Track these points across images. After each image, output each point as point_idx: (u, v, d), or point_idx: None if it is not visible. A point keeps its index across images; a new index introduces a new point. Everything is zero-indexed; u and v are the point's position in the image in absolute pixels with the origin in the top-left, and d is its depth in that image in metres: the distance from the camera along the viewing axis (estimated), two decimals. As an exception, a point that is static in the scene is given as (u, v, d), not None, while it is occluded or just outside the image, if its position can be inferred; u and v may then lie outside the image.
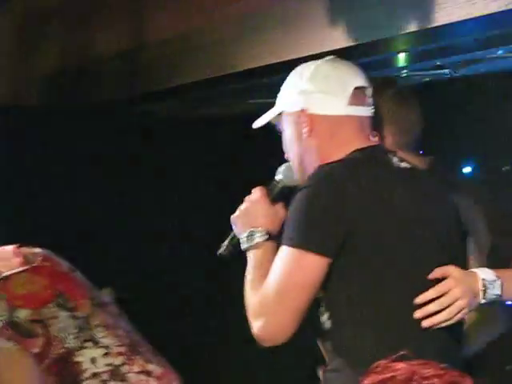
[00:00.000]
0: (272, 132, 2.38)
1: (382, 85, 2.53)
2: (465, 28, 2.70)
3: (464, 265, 2.22)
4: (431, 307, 2.06)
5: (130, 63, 4.08)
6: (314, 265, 2.06)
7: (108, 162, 4.33)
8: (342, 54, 2.40)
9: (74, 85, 4.38)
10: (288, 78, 2.29)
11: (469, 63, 3.38)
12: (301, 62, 2.33)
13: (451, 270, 2.10)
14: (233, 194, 2.47)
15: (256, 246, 2.27)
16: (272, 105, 2.38)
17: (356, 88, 2.21)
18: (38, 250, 2.39)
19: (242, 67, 3.53)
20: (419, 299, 2.07)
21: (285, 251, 2.10)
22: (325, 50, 2.89)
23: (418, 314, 2.07)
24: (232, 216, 2.36)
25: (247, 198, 2.36)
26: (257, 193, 2.35)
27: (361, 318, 2.10)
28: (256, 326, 2.13)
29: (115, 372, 2.45)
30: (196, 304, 4.45)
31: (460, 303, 2.07)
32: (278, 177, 2.37)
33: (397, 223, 2.11)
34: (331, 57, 2.30)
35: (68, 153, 4.27)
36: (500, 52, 3.25)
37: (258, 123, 2.37)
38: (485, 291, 2.09)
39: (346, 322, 2.12)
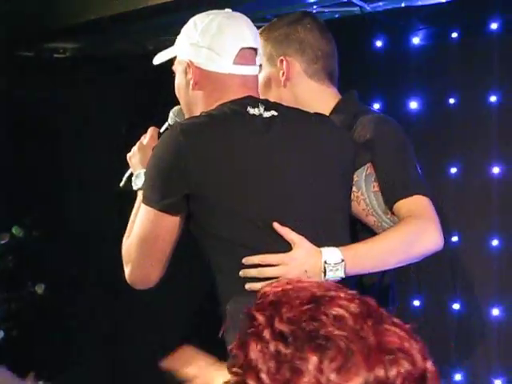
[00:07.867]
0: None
1: (297, 15, 2.56)
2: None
3: (335, 211, 2.24)
4: (252, 271, 2.12)
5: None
6: (160, 220, 2.17)
7: (20, 101, 4.27)
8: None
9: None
10: (186, 24, 2.31)
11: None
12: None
13: (298, 244, 2.12)
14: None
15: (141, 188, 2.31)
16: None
17: (243, 48, 2.24)
18: None
19: (154, 1, 3.50)
20: (245, 259, 2.12)
21: (142, 205, 2.22)
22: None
23: (240, 272, 2.13)
24: (128, 154, 2.43)
25: (142, 138, 2.39)
26: (149, 134, 2.39)
27: (218, 267, 2.20)
28: (125, 271, 2.27)
29: None
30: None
31: None
32: (171, 120, 2.40)
33: (242, 176, 2.15)
34: (227, 10, 2.32)
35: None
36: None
37: (156, 60, 2.39)
38: (325, 273, 2.11)
39: (213, 270, 2.22)
